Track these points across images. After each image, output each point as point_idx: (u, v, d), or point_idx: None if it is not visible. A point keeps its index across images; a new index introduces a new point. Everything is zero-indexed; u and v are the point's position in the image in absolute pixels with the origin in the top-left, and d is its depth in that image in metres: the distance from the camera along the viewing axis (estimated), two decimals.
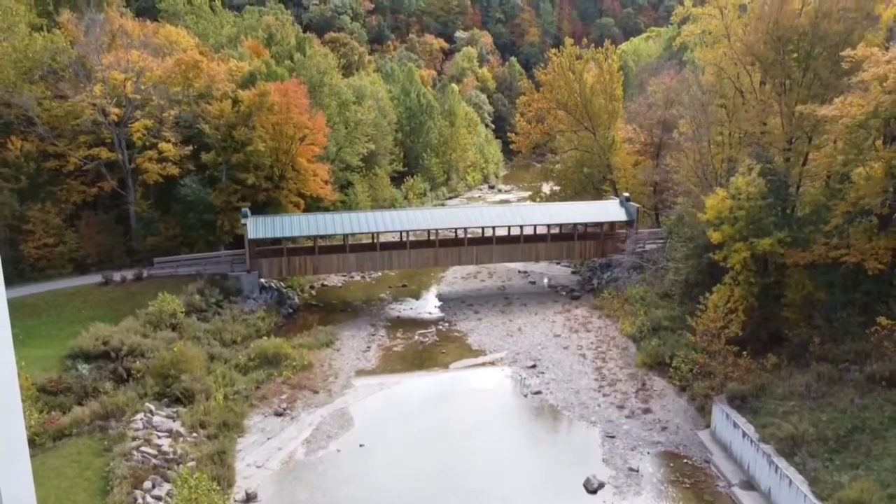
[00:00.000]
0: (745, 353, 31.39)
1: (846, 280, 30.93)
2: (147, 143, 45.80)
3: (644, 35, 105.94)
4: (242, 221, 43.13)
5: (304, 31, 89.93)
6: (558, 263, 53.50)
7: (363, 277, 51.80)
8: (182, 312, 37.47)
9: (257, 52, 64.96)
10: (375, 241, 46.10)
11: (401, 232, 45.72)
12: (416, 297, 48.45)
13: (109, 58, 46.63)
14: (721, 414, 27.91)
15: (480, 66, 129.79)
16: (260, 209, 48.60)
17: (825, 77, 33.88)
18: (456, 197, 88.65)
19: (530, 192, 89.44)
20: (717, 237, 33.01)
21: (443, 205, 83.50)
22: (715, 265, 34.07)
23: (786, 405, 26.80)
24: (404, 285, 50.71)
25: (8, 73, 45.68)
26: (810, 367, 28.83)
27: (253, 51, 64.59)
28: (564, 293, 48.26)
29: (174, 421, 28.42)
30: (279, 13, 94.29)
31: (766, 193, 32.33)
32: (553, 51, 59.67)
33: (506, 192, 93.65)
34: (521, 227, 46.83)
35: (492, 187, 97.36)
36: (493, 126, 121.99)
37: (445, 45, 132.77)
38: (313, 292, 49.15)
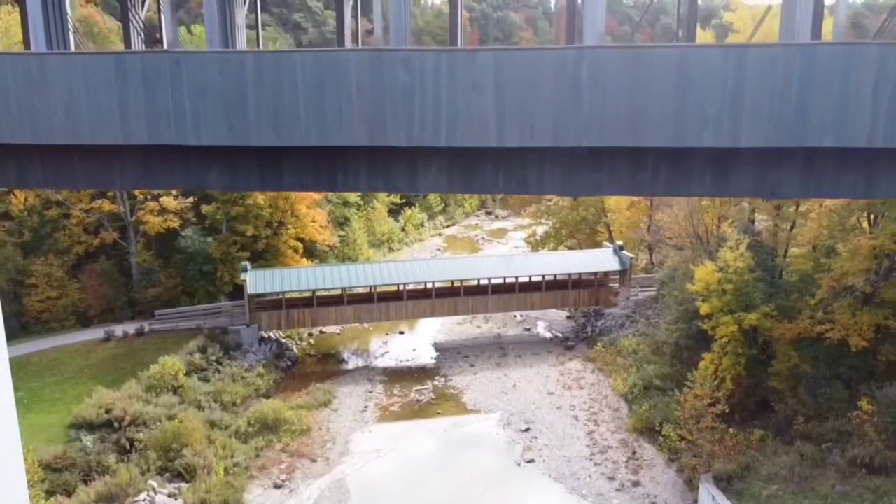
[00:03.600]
0: (732, 425, 32.24)
1: (831, 354, 31.78)
2: (149, 196, 46.63)
3: None
4: (242, 277, 43.93)
5: None
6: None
7: (360, 324, 52.54)
8: (183, 374, 38.27)
9: None
10: (373, 292, 46.89)
11: (398, 284, 46.53)
12: (413, 346, 49.20)
13: None
14: (707, 495, 28.68)
15: None
16: (259, 256, 49.47)
17: None
18: (453, 225, 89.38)
19: (528, 221, 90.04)
20: (705, 309, 33.89)
21: (440, 234, 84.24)
22: (704, 331, 34.95)
23: (769, 488, 27.60)
24: (402, 332, 51.48)
25: None
26: (794, 446, 29.70)
27: None
28: (559, 342, 49.09)
29: (176, 500, 29.21)
30: (279, 37, 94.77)
31: (754, 267, 33.19)
32: None
33: (503, 218, 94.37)
34: (517, 277, 47.70)
35: (489, 213, 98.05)
36: None
37: None
38: (311, 341, 49.90)
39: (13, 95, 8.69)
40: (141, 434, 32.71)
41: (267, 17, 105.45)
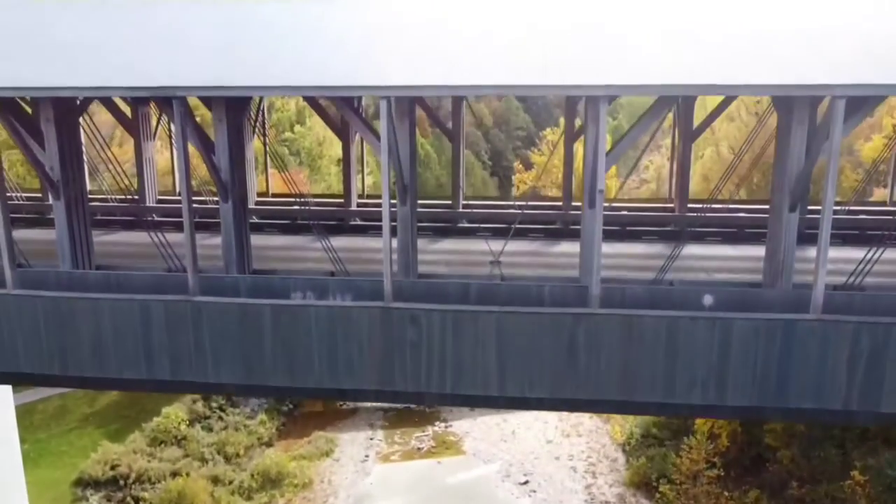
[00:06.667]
0: (727, 481, 32.89)
1: None
2: None
3: None
4: None
5: None
6: None
7: None
8: (186, 424, 38.84)
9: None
10: None
11: None
12: None
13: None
14: None
15: (478, 102, 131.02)
16: None
17: None
18: None
19: None
20: None
21: None
22: None
23: None
24: None
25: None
26: None
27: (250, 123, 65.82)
28: None
29: None
30: None
31: None
32: (547, 130, 61.13)
33: None
34: None
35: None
36: (491, 163, 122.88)
37: None
38: None
39: (43, 332, 9.34)
40: (146, 493, 33.30)
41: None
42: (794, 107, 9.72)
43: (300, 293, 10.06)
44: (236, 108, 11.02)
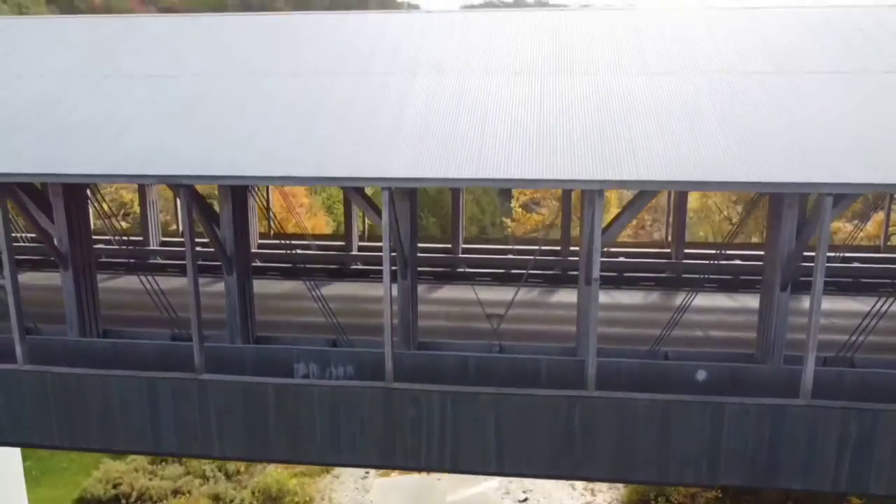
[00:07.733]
0: (725, 499, 33.03)
1: None
2: None
3: None
4: None
5: None
6: None
7: None
8: None
9: None
10: None
11: None
12: None
13: None
14: None
15: None
16: None
17: None
18: None
19: None
20: None
21: None
22: None
23: None
24: None
25: None
26: None
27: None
28: None
29: None
30: None
31: None
32: None
33: None
34: None
35: None
36: None
37: None
38: None
39: (52, 405, 9.61)
40: None
41: None
42: (784, 193, 10.00)
43: (303, 364, 10.38)
44: (241, 187, 11.28)
